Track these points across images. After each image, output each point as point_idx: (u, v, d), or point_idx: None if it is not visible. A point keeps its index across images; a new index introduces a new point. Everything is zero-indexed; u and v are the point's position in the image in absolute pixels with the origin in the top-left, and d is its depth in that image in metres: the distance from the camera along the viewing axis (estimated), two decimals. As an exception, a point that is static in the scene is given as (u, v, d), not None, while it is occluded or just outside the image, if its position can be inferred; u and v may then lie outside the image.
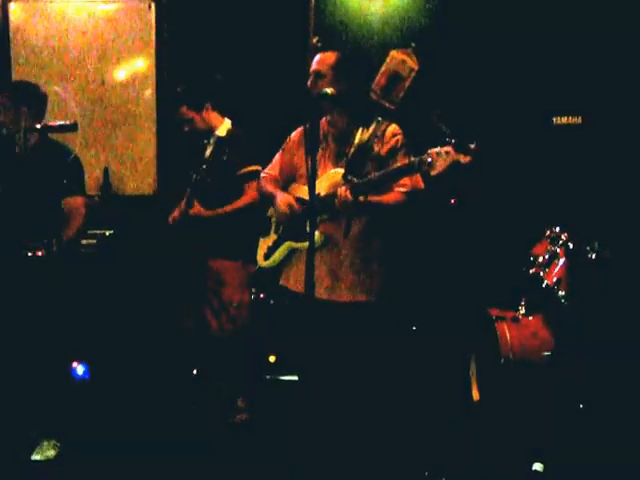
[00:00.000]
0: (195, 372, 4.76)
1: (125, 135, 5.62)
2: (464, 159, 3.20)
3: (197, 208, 4.44)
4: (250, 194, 4.36)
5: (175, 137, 5.17)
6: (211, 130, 4.52)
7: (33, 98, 4.20)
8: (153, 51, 5.56)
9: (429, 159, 3.24)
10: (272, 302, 5.01)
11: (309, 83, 3.63)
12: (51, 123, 3.99)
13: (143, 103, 5.60)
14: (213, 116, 4.55)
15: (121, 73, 5.63)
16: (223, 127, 4.51)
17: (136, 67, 5.60)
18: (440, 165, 3.21)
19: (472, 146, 3.21)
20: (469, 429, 4.18)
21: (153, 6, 5.57)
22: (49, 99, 4.26)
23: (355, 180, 3.45)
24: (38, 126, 3.95)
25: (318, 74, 3.60)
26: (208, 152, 4.51)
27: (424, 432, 4.20)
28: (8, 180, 4.18)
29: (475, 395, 4.50)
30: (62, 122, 4.01)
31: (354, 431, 3.72)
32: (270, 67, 5.30)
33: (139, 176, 5.61)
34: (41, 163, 4.07)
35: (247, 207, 4.37)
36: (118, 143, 5.60)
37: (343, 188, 3.41)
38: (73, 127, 3.99)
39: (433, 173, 3.24)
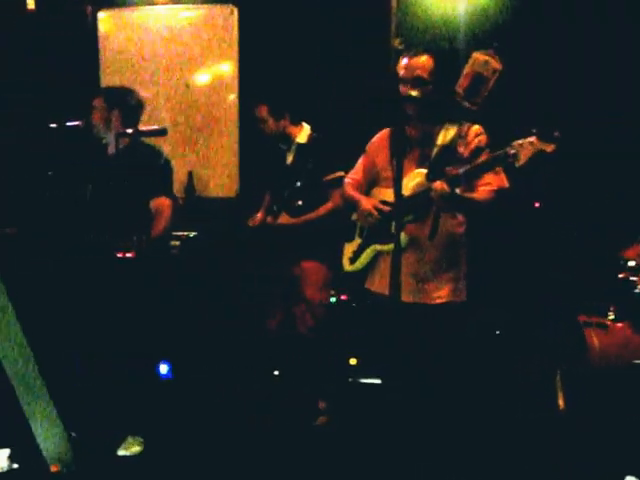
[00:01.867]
0: (277, 373, 4.79)
1: (209, 139, 5.70)
2: (548, 148, 3.15)
3: (285, 218, 4.47)
4: (335, 200, 4.37)
5: (257, 141, 5.22)
6: (284, 137, 4.54)
7: (127, 103, 4.32)
8: (236, 56, 5.64)
9: (513, 151, 3.20)
10: (354, 305, 5.00)
11: (402, 88, 3.57)
12: (142, 128, 4.07)
13: (226, 107, 5.67)
14: (290, 127, 4.55)
15: (205, 78, 5.71)
16: (303, 134, 4.53)
17: (219, 72, 5.68)
18: (525, 156, 3.17)
19: (556, 134, 3.16)
20: (555, 438, 4.09)
21: (236, 11, 5.64)
22: (152, 105, 4.36)
23: (452, 172, 3.41)
24: (129, 131, 4.04)
25: (417, 79, 3.53)
26: (290, 159, 4.54)
27: (509, 440, 4.13)
28: (98, 181, 4.30)
29: (561, 403, 4.40)
30: (152, 127, 4.08)
31: (437, 436, 3.67)
32: (352, 69, 5.30)
33: (222, 179, 5.69)
34: (131, 165, 4.15)
35: (332, 213, 4.38)
36: (202, 147, 5.69)
37: (439, 181, 3.38)
38: (163, 132, 4.07)
39: (518, 164, 3.19)
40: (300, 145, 4.51)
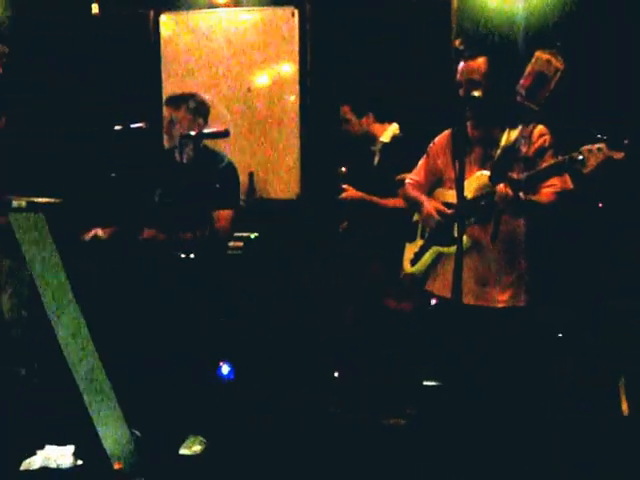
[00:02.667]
0: (336, 374, 4.79)
1: (269, 141, 5.72)
2: (617, 155, 3.09)
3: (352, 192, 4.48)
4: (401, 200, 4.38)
5: (318, 142, 5.25)
6: (369, 137, 4.55)
7: (204, 109, 4.41)
8: (297, 57, 5.64)
9: (581, 156, 3.15)
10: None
11: (462, 91, 3.56)
12: (205, 130, 4.11)
13: (287, 109, 5.69)
14: (373, 125, 4.56)
15: (266, 80, 5.73)
16: (387, 133, 4.54)
17: (281, 74, 5.70)
18: (593, 162, 3.12)
19: (626, 142, 3.10)
20: (620, 443, 4.02)
21: (297, 13, 5.64)
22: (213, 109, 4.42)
23: (515, 176, 3.38)
24: (193, 133, 4.08)
25: (471, 82, 3.53)
26: (376, 160, 4.55)
27: (572, 444, 4.07)
28: (166, 185, 4.37)
29: (625, 408, 4.32)
30: (215, 129, 4.12)
31: (497, 438, 3.64)
32: (413, 71, 5.28)
33: (283, 181, 5.70)
34: (198, 170, 4.21)
35: (394, 209, 4.38)
36: (263, 149, 5.71)
37: (502, 185, 3.35)
38: (225, 133, 4.11)
39: (585, 171, 3.15)
40: (384, 145, 4.54)
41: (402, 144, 4.50)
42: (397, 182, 4.38)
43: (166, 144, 4.50)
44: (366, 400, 4.55)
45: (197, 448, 4.14)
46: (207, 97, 4.60)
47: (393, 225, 4.29)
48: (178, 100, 4.46)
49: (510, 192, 3.32)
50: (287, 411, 4.58)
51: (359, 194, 4.49)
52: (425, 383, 4.90)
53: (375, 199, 4.46)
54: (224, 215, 4.27)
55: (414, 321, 4.84)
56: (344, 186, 4.51)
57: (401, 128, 4.61)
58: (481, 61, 3.54)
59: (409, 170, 4.32)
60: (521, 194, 3.35)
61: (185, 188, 4.20)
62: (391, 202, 4.43)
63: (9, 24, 6.20)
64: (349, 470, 3.92)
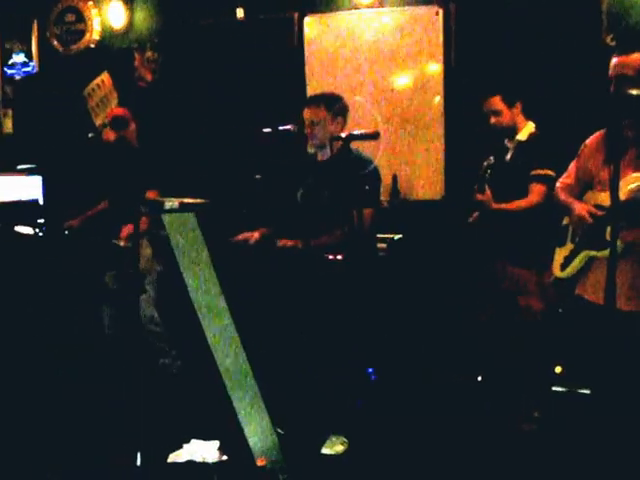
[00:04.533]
0: (480, 378, 4.72)
1: (413, 142, 5.69)
2: None
3: (488, 195, 4.35)
4: (532, 198, 4.28)
5: (463, 143, 5.17)
6: (513, 130, 4.47)
7: (343, 109, 4.49)
8: (442, 57, 5.58)
9: None
10: (560, 311, 4.85)
11: (612, 88, 3.44)
12: (355, 132, 4.13)
13: (432, 109, 5.64)
14: (519, 117, 4.48)
15: (410, 80, 5.70)
16: (525, 130, 4.45)
17: (425, 74, 5.65)
18: None
19: None
20: None
21: (441, 12, 5.58)
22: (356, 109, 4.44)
23: None
24: (343, 135, 4.10)
25: (623, 78, 3.39)
26: (509, 156, 4.47)
27: None
28: (309, 185, 4.42)
29: None
30: (364, 131, 4.13)
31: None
32: (562, 68, 5.14)
33: (427, 182, 5.66)
34: (342, 171, 4.23)
35: (526, 210, 4.28)
36: (406, 150, 5.68)
37: None
38: (374, 136, 4.11)
39: None
40: (520, 143, 4.45)
41: (538, 143, 4.38)
42: (529, 177, 4.29)
43: (308, 144, 4.55)
44: (500, 403, 4.47)
45: (339, 448, 4.16)
46: (358, 99, 4.63)
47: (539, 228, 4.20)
48: (318, 100, 4.55)
49: None
50: (429, 413, 4.54)
51: (494, 205, 4.37)
52: (554, 389, 4.78)
53: (509, 206, 4.34)
54: (366, 213, 4.26)
55: (553, 323, 4.72)
56: (482, 196, 4.40)
57: (541, 127, 4.49)
58: (636, 57, 3.40)
59: (543, 167, 4.24)
60: None
61: (328, 188, 4.24)
62: (522, 203, 4.31)
63: (158, 32, 6.43)
64: (489, 473, 3.88)
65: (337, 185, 4.24)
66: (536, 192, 4.29)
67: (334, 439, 4.20)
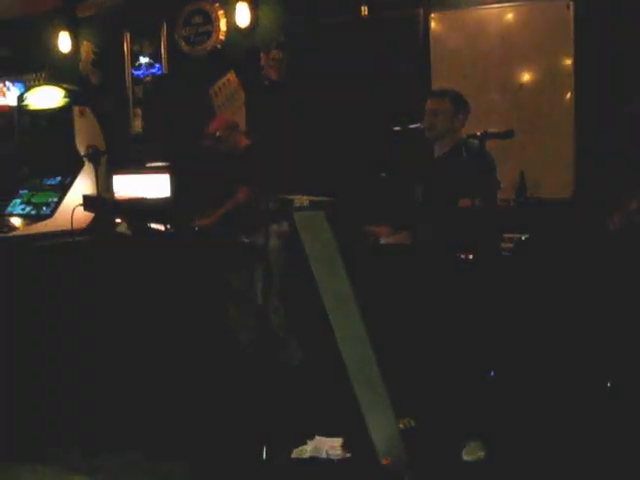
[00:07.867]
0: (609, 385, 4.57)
1: (542, 139, 5.54)
2: None
3: None
4: None
5: (594, 139, 5.02)
6: None
7: (465, 104, 4.50)
8: (572, 52, 5.41)
9: None
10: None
11: None
12: (490, 130, 4.07)
13: (561, 106, 5.48)
14: None
15: (538, 76, 5.57)
16: None
17: (554, 69, 5.49)
18: None
19: None
20: None
21: (572, 6, 5.41)
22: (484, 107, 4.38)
23: None
24: (478, 133, 4.06)
25: None
26: None
27: None
28: (427, 182, 4.43)
29: None
30: (500, 130, 4.07)
31: None
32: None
33: (556, 180, 5.51)
34: (456, 168, 4.20)
35: None
36: (534, 147, 5.54)
37: None
38: (509, 134, 4.05)
39: None
40: None
41: None
42: None
43: (427, 135, 4.51)
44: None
45: (480, 454, 4.09)
46: (478, 94, 4.55)
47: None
48: (443, 92, 4.60)
49: None
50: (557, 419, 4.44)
51: None
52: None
53: None
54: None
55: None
56: None
57: None
58: None
59: None
60: None
61: (443, 186, 4.21)
62: None
63: (283, 31, 6.51)
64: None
65: (450, 182, 4.20)
66: None
67: (474, 445, 4.11)
